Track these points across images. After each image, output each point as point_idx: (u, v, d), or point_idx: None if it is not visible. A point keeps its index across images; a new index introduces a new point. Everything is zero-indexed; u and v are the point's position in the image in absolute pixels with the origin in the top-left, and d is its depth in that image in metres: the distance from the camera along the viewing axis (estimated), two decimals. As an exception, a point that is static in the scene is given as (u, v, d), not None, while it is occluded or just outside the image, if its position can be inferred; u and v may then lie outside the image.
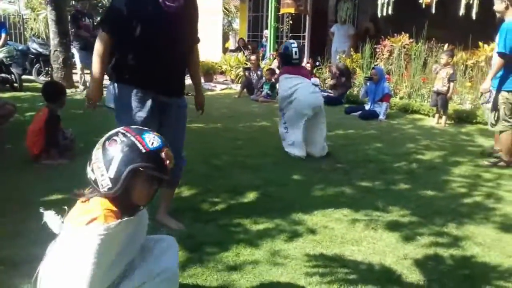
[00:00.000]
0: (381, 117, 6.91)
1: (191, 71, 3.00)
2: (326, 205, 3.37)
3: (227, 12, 17.83)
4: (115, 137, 1.56)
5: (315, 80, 5.18)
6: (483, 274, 2.46)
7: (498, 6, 4.35)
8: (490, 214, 3.30)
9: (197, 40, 2.94)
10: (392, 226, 3.02)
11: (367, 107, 7.36)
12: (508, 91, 4.35)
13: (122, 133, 1.57)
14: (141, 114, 2.66)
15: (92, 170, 1.55)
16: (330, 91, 8.55)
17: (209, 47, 11.98)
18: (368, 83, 7.43)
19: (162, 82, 2.68)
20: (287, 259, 2.54)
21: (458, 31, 8.01)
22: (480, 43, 7.79)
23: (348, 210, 3.29)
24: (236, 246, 2.66)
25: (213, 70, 11.36)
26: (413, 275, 2.42)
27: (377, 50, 8.91)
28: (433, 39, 8.17)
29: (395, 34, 8.63)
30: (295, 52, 4.91)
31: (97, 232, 1.42)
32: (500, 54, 4.28)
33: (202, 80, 11.11)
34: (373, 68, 7.85)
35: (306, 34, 12.15)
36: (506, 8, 4.30)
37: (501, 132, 4.49)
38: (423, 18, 8.19)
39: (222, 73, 11.70)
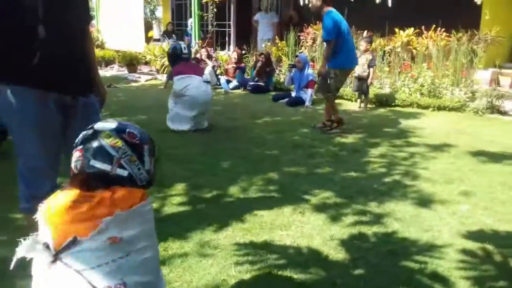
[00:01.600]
0: (307, 103, 7.07)
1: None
2: (255, 193, 3.40)
3: (149, 0, 17.29)
4: (128, 130, 1.50)
5: (206, 76, 5.59)
6: (404, 249, 2.60)
7: (315, 2, 5.28)
8: (408, 191, 3.49)
9: (89, 19, 2.44)
10: (319, 209, 3.11)
11: (293, 94, 7.49)
12: (334, 68, 5.22)
13: (126, 123, 1.54)
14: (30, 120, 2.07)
15: (121, 166, 1.45)
16: (260, 82, 8.56)
17: (131, 37, 11.60)
18: (292, 70, 7.55)
19: (53, 77, 2.06)
20: (216, 250, 2.52)
21: (376, 18, 8.36)
22: (396, 30, 8.19)
23: (277, 196, 3.33)
24: (165, 241, 2.59)
25: (137, 61, 11.00)
26: (339, 255, 2.50)
27: (301, 37, 9.07)
28: (353, 26, 8.45)
29: (317, 22, 8.83)
30: (184, 48, 5.48)
31: (150, 206, 1.51)
32: (326, 41, 5.25)
33: (126, 71, 10.79)
34: (296, 56, 7.98)
35: (231, 22, 12.10)
36: (321, 5, 5.23)
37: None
38: (343, 6, 8.43)
39: (147, 63, 11.37)
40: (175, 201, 3.21)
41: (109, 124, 1.51)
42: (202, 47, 9.91)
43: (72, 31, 2.13)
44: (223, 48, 11.78)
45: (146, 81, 9.79)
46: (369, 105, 6.95)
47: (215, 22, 11.16)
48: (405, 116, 6.36)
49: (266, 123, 5.88)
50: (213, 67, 9.06)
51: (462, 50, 7.31)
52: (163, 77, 9.60)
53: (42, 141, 2.11)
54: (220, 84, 8.86)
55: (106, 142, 1.45)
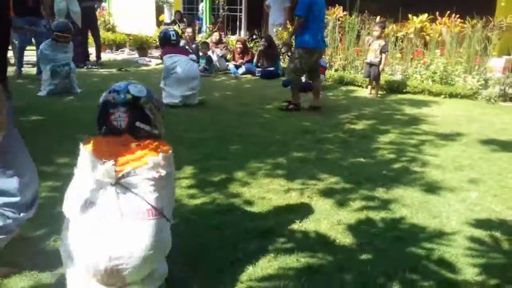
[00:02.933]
0: (317, 89, 7.02)
1: None
2: (264, 177, 3.41)
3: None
4: (154, 97, 1.96)
5: (192, 56, 6.20)
6: (412, 235, 2.60)
7: None
8: (417, 177, 3.48)
9: None
10: (326, 194, 3.12)
11: (303, 79, 7.43)
12: (298, 47, 5.56)
13: (150, 90, 1.96)
14: None
15: (156, 126, 1.93)
16: (270, 67, 8.52)
17: (142, 21, 11.59)
18: None
19: None
20: (224, 232, 2.55)
21: (389, 4, 8.25)
22: (410, 15, 8.08)
23: (285, 181, 3.34)
24: (174, 223, 2.62)
25: (148, 44, 11.00)
26: (347, 239, 2.51)
27: (312, 23, 8.98)
28: (366, 11, 8.35)
29: (330, 7, 8.73)
30: (173, 35, 6.01)
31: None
32: (296, 16, 5.49)
33: (136, 55, 10.79)
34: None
35: (243, 7, 12.00)
36: None
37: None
38: (356, -9, 8.34)
39: (157, 47, 11.33)
40: (183, 184, 3.24)
41: (141, 89, 1.92)
42: (214, 32, 9.85)
43: None
44: (233, 33, 11.72)
45: (156, 65, 9.78)
46: (380, 92, 6.90)
47: (226, 7, 11.09)
48: (416, 103, 6.30)
49: (275, 108, 5.86)
50: (223, 55, 9.03)
51: (476, 37, 7.20)
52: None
53: None
54: (229, 70, 8.84)
55: (146, 107, 1.89)
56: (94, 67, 8.75)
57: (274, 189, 3.18)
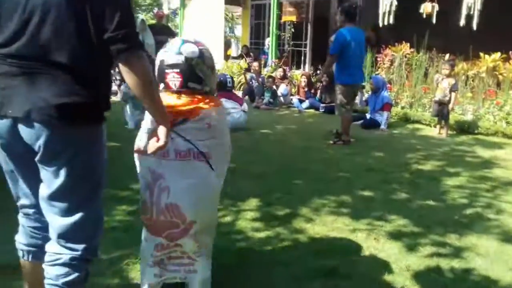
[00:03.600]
0: (383, 126, 6.92)
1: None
2: (328, 214, 3.38)
3: (229, 19, 17.91)
4: (205, 55, 2.04)
5: (245, 106, 6.65)
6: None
7: (339, 17, 5.79)
8: (492, 225, 3.30)
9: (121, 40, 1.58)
10: (394, 236, 3.02)
11: (368, 116, 7.38)
12: (339, 84, 5.72)
13: (201, 47, 2.05)
14: (5, 167, 1.75)
15: (207, 84, 2.06)
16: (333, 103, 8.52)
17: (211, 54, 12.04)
18: (364, 92, 7.48)
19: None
20: (286, 269, 2.54)
21: (459, 41, 8.04)
22: (481, 54, 7.83)
23: (350, 220, 3.29)
24: (238, 254, 2.66)
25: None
26: (416, 287, 2.42)
27: (378, 59, 8.94)
28: (434, 48, 8.20)
29: (396, 43, 8.67)
30: (229, 82, 6.61)
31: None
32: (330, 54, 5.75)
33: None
34: (370, 77, 7.88)
35: (308, 42, 12.19)
36: (343, 21, 5.68)
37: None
38: (424, 28, 8.22)
39: (224, 79, 11.72)
40: (248, 216, 3.28)
41: (193, 50, 2.01)
42: (279, 67, 10.05)
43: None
44: (298, 67, 11.89)
45: (222, 96, 10.10)
46: (449, 132, 6.67)
47: (292, 42, 11.31)
48: (488, 145, 6.02)
49: (339, 145, 5.82)
50: (287, 93, 9.13)
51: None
52: (239, 94, 9.85)
53: None
54: (293, 104, 8.94)
55: (197, 68, 2.01)
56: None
57: (339, 228, 3.13)
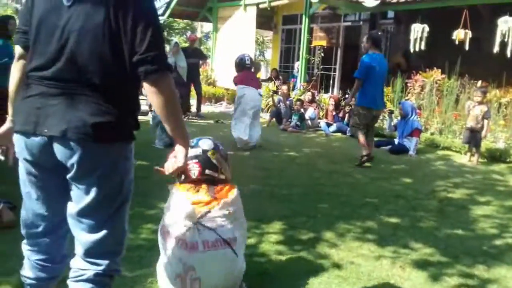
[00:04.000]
0: (411, 152, 6.83)
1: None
2: (353, 240, 3.35)
3: (260, 43, 18.19)
4: (219, 147, 2.42)
5: (260, 90, 7.07)
6: (515, 321, 2.38)
7: (365, 43, 6.02)
8: (523, 257, 3.20)
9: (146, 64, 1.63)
10: (421, 265, 2.97)
11: (396, 141, 7.31)
12: (358, 105, 6.01)
13: (216, 142, 2.43)
14: (24, 188, 1.79)
15: (222, 172, 2.38)
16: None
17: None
18: (392, 117, 7.43)
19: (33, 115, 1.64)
20: (311, 293, 2.52)
21: (492, 68, 7.93)
22: (515, 81, 7.69)
23: (375, 246, 3.25)
24: (260, 277, 2.66)
25: (244, 99, 11.54)
26: (441, 318, 2.36)
27: (409, 84, 8.89)
28: (466, 75, 8.11)
29: (427, 69, 8.61)
30: (248, 59, 6.91)
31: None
32: (355, 78, 5.91)
33: (232, 108, 11.34)
34: (399, 103, 7.84)
35: (337, 66, 12.25)
36: (368, 47, 5.92)
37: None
38: (456, 54, 8.16)
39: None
40: (272, 239, 3.28)
41: (209, 143, 2.37)
42: (308, 90, 10.11)
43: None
44: (326, 91, 11.92)
45: (250, 118, 10.19)
46: (480, 159, 6.52)
47: (321, 66, 11.37)
48: (521, 174, 5.86)
49: (366, 169, 5.78)
50: (315, 117, 9.16)
51: None
52: (266, 116, 9.93)
53: None
54: (321, 127, 8.95)
55: (213, 158, 2.33)
56: (194, 118, 9.34)
57: (364, 255, 3.10)
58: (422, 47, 8.68)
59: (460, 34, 8.16)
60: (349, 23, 11.96)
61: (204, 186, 2.27)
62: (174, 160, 1.80)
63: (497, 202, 4.53)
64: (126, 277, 2.56)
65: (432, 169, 6.01)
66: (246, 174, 5.09)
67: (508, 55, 7.49)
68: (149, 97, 1.66)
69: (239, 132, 6.62)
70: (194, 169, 2.30)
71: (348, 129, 8.47)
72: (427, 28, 8.66)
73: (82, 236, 1.72)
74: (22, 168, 1.73)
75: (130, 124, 1.71)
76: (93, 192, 1.65)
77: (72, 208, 1.71)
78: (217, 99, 12.54)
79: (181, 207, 2.21)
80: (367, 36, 6.15)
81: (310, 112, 9.17)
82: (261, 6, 11.87)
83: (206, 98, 12.16)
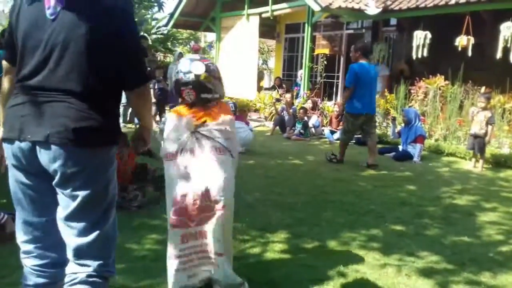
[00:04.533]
0: (416, 159, 6.81)
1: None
2: (358, 248, 3.33)
3: (263, 52, 18.26)
4: (211, 67, 2.48)
5: (251, 125, 7.40)
6: (523, 329, 2.36)
7: (353, 53, 6.31)
8: (530, 264, 3.17)
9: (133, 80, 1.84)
10: (426, 273, 2.95)
11: (400, 148, 7.29)
12: (347, 112, 6.39)
13: (208, 61, 2.53)
14: (15, 197, 1.83)
15: (216, 91, 2.49)
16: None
17: (244, 86, 12.30)
18: (396, 123, 7.43)
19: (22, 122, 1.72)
20: (316, 302, 2.51)
21: (495, 74, 7.93)
22: (519, 87, 7.67)
23: (380, 254, 3.23)
24: (266, 286, 2.65)
25: (248, 108, 11.57)
26: (448, 326, 2.34)
27: (412, 91, 8.89)
28: (470, 81, 8.10)
29: (430, 76, 8.62)
30: (231, 107, 6.85)
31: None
32: (345, 87, 6.34)
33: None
34: (402, 110, 7.84)
35: (340, 74, 12.27)
36: (357, 57, 6.24)
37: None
38: (459, 60, 8.16)
39: (256, 110, 11.90)
40: (276, 248, 3.27)
41: (200, 66, 2.42)
42: (310, 98, 10.14)
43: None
44: (330, 99, 11.94)
45: (254, 127, 10.20)
46: (485, 165, 6.49)
47: (324, 74, 11.40)
48: (527, 180, 5.83)
49: (371, 177, 5.77)
50: (318, 125, 9.18)
51: None
52: (270, 124, 9.96)
53: None
54: (324, 134, 8.95)
55: (206, 81, 2.42)
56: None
57: (369, 263, 3.08)
58: (425, 54, 8.70)
59: (462, 41, 8.18)
60: (351, 31, 12.00)
61: (199, 105, 2.47)
62: (143, 142, 2.04)
63: (503, 209, 4.51)
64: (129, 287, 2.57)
65: (437, 176, 5.99)
66: (250, 182, 5.09)
67: (511, 60, 7.48)
68: (132, 100, 1.89)
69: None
70: (190, 95, 2.45)
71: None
72: (429, 35, 8.69)
73: (72, 240, 1.75)
74: (12, 177, 1.79)
75: (112, 129, 1.80)
76: (79, 197, 1.71)
77: (60, 213, 1.75)
78: (221, 108, 12.56)
79: (180, 124, 2.43)
80: (355, 46, 6.43)
81: (313, 120, 9.18)
82: (263, 15, 11.95)
83: (210, 107, 12.19)
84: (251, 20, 12.23)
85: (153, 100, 9.19)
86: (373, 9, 9.69)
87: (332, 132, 8.85)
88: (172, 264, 2.36)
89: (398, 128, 7.92)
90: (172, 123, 2.46)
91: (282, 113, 9.34)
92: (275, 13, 11.73)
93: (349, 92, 6.20)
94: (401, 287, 2.74)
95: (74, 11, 1.67)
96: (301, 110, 9.07)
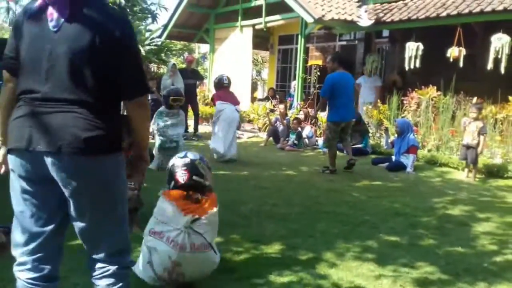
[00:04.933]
0: (409, 169, 6.83)
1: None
2: (352, 259, 3.32)
3: (256, 63, 18.34)
4: (204, 159, 2.87)
5: (238, 107, 7.41)
6: None
7: (330, 64, 6.57)
8: (524, 274, 3.17)
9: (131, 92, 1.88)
10: (421, 284, 2.94)
11: (393, 158, 7.31)
12: (328, 121, 6.64)
13: (201, 155, 2.90)
14: (17, 207, 1.86)
15: (207, 179, 2.81)
16: (358, 144, 8.51)
17: (239, 97, 12.30)
18: (389, 134, 7.47)
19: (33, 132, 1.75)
20: (311, 315, 2.49)
21: (487, 85, 8.00)
22: (510, 98, 7.74)
23: (375, 265, 3.22)
24: (260, 299, 2.63)
25: (241, 119, 11.58)
26: (443, 338, 2.33)
27: (405, 102, 8.94)
28: (461, 92, 8.17)
29: (423, 87, 8.68)
30: (225, 79, 7.38)
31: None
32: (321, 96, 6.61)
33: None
34: (395, 120, 7.88)
35: (333, 85, 12.32)
36: (333, 67, 6.51)
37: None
38: (451, 71, 8.23)
39: (250, 121, 11.91)
40: (270, 260, 3.25)
41: (196, 155, 2.81)
42: (304, 108, 10.17)
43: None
44: (323, 110, 11.96)
45: (248, 138, 10.22)
46: (478, 176, 6.52)
47: (317, 85, 11.44)
48: (520, 189, 5.86)
49: (364, 187, 5.78)
50: (312, 136, 9.22)
51: None
52: (263, 135, 9.96)
53: None
54: (318, 145, 8.96)
55: (199, 166, 2.74)
56: (192, 138, 9.35)
57: (363, 274, 3.07)
58: (417, 65, 8.77)
59: (454, 52, 8.26)
60: (344, 42, 12.10)
61: (191, 192, 2.69)
62: (144, 163, 2.07)
63: (497, 219, 4.52)
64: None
65: (430, 186, 6.01)
66: (244, 193, 5.08)
67: (502, 71, 7.56)
68: (130, 111, 1.89)
69: (215, 144, 7.10)
70: (183, 176, 2.69)
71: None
72: (421, 46, 8.77)
73: (95, 244, 1.89)
74: (17, 187, 1.81)
75: (117, 136, 1.86)
76: (95, 204, 1.80)
77: (80, 223, 1.83)
78: (215, 119, 12.57)
79: (173, 213, 2.62)
80: (332, 56, 6.74)
81: (307, 131, 9.20)
82: (257, 27, 12.02)
83: (204, 118, 12.20)
84: (245, 32, 12.30)
85: None
86: (365, 21, 9.78)
87: (326, 143, 8.87)
88: None
89: (392, 138, 7.95)
90: (166, 208, 2.66)
91: (276, 124, 9.36)
92: (269, 24, 11.81)
93: (323, 101, 6.58)
94: (396, 299, 2.73)
95: (76, 23, 1.71)
96: (295, 121, 9.09)
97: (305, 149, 8.83)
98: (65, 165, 1.70)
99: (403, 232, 4.00)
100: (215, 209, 2.71)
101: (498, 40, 7.73)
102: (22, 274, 1.86)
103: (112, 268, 1.90)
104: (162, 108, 6.18)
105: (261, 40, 13.80)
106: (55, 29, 1.71)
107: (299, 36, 10.86)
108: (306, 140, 9.11)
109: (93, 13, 1.74)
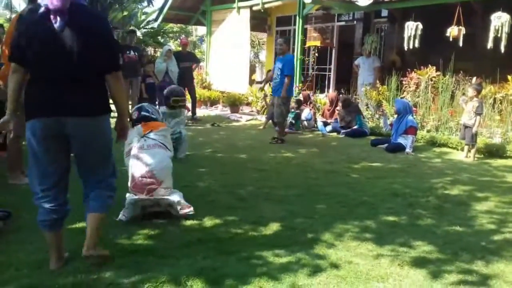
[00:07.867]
0: (408, 150, 6.82)
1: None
2: (351, 240, 3.33)
3: (254, 45, 18.17)
4: (154, 109, 4.42)
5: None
6: (515, 317, 2.36)
7: (284, 46, 7.53)
8: (522, 252, 3.18)
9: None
10: (419, 263, 2.95)
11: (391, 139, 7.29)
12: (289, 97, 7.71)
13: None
14: (34, 157, 2.58)
15: (154, 114, 4.28)
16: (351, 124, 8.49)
17: (236, 79, 12.23)
18: (388, 115, 7.43)
19: (47, 101, 2.50)
20: (310, 294, 2.50)
21: (486, 64, 7.94)
22: (509, 77, 7.68)
23: (373, 245, 3.22)
24: (258, 280, 2.64)
25: (239, 102, 11.52)
26: (441, 315, 2.34)
27: (404, 82, 8.89)
28: (461, 71, 8.10)
29: (422, 67, 8.61)
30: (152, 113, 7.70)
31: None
32: (288, 75, 7.25)
33: (228, 111, 11.34)
34: (395, 101, 7.84)
35: (332, 66, 12.25)
36: (287, 48, 7.73)
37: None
38: (450, 51, 8.16)
39: (248, 104, 11.85)
40: (269, 241, 3.25)
41: (150, 108, 4.24)
42: (302, 90, 10.11)
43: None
44: (322, 91, 11.92)
45: (246, 121, 10.18)
46: (477, 155, 6.52)
47: (316, 66, 11.37)
48: (519, 169, 5.85)
49: (363, 168, 5.77)
50: (311, 118, 9.18)
51: None
52: (262, 118, 9.92)
53: None
54: (317, 127, 8.93)
55: (146, 106, 4.25)
56: (189, 122, 9.31)
57: (362, 254, 3.08)
58: (416, 45, 8.68)
59: (454, 31, 8.16)
60: (343, 23, 11.96)
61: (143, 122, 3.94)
62: (125, 129, 2.81)
63: (495, 198, 4.52)
64: (122, 284, 2.54)
65: (429, 166, 6.00)
66: (242, 176, 5.07)
67: (502, 50, 7.49)
68: (110, 83, 2.61)
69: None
70: (135, 114, 4.13)
71: (342, 131, 8.48)
72: (420, 26, 8.66)
73: (96, 173, 2.73)
74: (34, 142, 2.52)
75: (108, 102, 2.67)
76: (96, 147, 2.67)
77: (85, 162, 2.70)
78: (213, 102, 12.52)
79: (136, 131, 3.81)
80: (284, 40, 7.74)
81: (306, 113, 9.16)
82: (254, 8, 11.86)
83: (202, 101, 12.15)
84: (242, 13, 12.15)
85: (145, 95, 9.12)
86: (364, 0, 9.65)
87: (325, 124, 8.85)
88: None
89: (391, 119, 7.93)
90: (132, 132, 3.68)
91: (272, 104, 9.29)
92: (266, 5, 11.64)
93: (290, 79, 7.30)
94: (394, 277, 2.74)
95: (74, 24, 2.44)
96: (294, 100, 9.03)
97: (303, 132, 8.81)
98: (79, 124, 2.54)
99: (401, 212, 4.01)
100: (165, 128, 4.02)
101: (498, 19, 7.63)
102: (46, 204, 2.59)
103: (103, 185, 2.74)
104: (163, 109, 5.95)
105: (258, 21, 13.63)
106: (60, 29, 2.42)
107: (297, 17, 10.72)
108: (305, 122, 9.07)
109: (82, 16, 2.50)
